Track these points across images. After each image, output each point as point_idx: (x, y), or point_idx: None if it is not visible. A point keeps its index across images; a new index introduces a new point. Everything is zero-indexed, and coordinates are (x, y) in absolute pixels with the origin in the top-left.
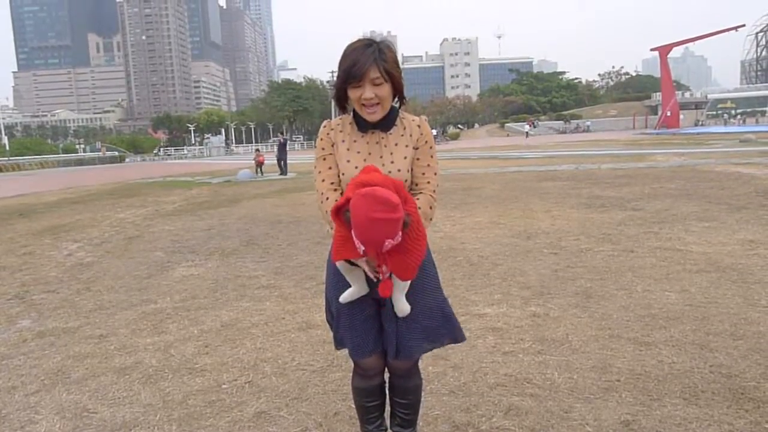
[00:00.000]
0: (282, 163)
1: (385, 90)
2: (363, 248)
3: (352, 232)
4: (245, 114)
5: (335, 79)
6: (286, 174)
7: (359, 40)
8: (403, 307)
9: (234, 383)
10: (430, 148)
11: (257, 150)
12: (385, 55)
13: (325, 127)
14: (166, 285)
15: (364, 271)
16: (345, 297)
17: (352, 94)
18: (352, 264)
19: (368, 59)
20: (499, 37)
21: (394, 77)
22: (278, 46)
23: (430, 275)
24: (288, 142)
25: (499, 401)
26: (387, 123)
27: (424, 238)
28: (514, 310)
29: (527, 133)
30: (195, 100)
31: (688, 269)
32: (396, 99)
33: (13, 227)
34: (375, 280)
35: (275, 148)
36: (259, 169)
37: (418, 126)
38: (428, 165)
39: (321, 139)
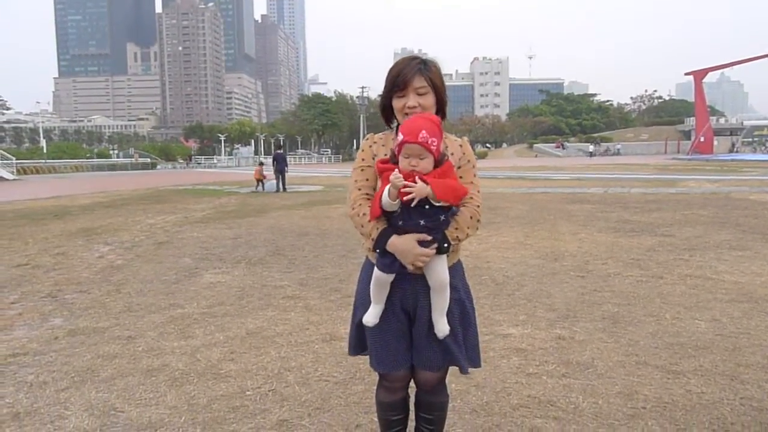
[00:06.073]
0: (281, 178)
1: (429, 100)
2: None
3: (396, 141)
4: (275, 126)
5: (366, 93)
6: (285, 190)
7: (408, 56)
8: (443, 327)
9: (258, 390)
10: (473, 167)
11: (261, 163)
12: (429, 67)
13: (367, 140)
14: (194, 290)
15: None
16: (367, 319)
17: (397, 103)
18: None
19: (413, 69)
20: (530, 58)
21: (437, 88)
22: (310, 60)
23: (465, 305)
24: (286, 156)
25: (522, 422)
26: None
27: (456, 179)
28: (539, 331)
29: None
30: (227, 110)
31: (719, 298)
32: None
33: (48, 228)
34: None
35: (273, 162)
36: (260, 184)
37: (460, 146)
38: (471, 182)
39: (362, 150)
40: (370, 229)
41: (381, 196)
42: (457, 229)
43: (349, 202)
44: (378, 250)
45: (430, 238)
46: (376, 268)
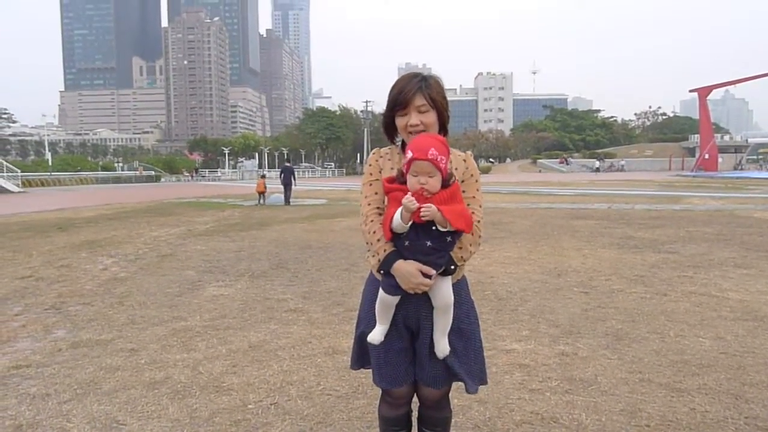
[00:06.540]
0: (287, 190)
1: (431, 118)
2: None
3: (405, 156)
4: (279, 140)
5: (370, 107)
6: (289, 203)
7: (409, 73)
8: (444, 347)
9: (260, 404)
10: (476, 181)
11: (263, 176)
12: (430, 84)
13: (374, 154)
14: (197, 303)
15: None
16: (372, 338)
17: (399, 122)
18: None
19: (414, 87)
20: (534, 73)
21: (438, 105)
22: (314, 74)
23: (470, 321)
24: (294, 168)
25: None
26: None
27: (463, 202)
28: (542, 347)
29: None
30: (231, 124)
31: (723, 316)
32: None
33: (52, 240)
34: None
35: (281, 175)
36: (261, 197)
37: (464, 160)
38: (473, 197)
39: (370, 165)
40: (378, 248)
41: (391, 218)
42: (461, 248)
43: (362, 217)
44: (383, 272)
45: (434, 272)
46: (381, 290)
